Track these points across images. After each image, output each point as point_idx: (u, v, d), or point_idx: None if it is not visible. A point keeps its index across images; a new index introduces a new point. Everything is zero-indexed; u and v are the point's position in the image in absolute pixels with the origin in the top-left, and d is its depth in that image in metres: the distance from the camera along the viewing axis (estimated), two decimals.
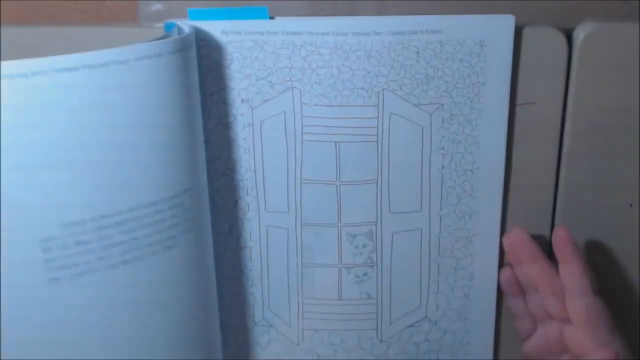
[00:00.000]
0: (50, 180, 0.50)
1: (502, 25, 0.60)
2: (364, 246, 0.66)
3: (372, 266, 0.67)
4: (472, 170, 0.64)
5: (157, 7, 0.66)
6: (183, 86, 0.55)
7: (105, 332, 0.55)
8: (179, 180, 0.56)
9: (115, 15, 0.67)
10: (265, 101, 0.62)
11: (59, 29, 0.65)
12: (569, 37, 0.63)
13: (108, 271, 0.54)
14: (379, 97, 0.62)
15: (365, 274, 0.67)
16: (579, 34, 0.63)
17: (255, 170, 0.64)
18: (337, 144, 0.64)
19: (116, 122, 0.51)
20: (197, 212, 0.59)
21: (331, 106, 0.62)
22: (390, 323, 0.69)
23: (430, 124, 0.63)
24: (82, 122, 0.50)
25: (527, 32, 0.62)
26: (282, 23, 0.60)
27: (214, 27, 0.60)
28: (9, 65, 0.47)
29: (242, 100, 0.62)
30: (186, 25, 0.58)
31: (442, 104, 0.62)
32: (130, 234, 0.54)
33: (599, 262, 0.68)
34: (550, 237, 0.64)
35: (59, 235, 0.51)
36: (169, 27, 0.59)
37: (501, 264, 0.68)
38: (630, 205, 0.67)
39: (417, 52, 0.61)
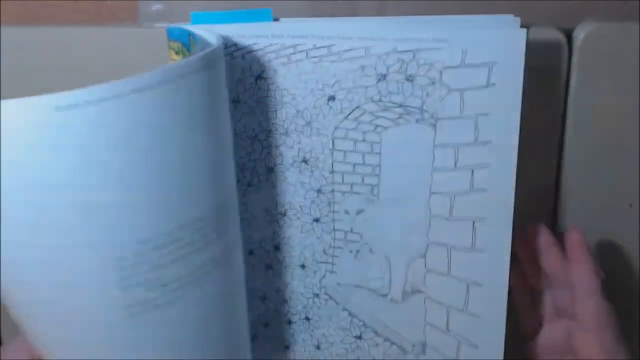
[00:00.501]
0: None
1: (513, 39, 0.58)
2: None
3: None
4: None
5: (157, 7, 0.66)
6: (214, 104, 0.53)
7: None
8: (212, 196, 0.55)
9: (115, 15, 0.67)
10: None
11: (59, 29, 0.65)
12: (569, 37, 0.63)
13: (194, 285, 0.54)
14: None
15: None
16: (579, 34, 0.63)
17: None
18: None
19: (152, 146, 0.49)
20: (233, 227, 0.58)
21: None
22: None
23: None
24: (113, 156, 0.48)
25: (527, 32, 0.62)
26: (287, 26, 0.60)
27: (218, 31, 0.59)
28: (57, 98, 0.46)
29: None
30: (212, 34, 0.56)
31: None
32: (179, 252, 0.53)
33: (599, 262, 0.68)
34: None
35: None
36: (171, 31, 0.59)
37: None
38: (630, 205, 0.67)
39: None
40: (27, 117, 0.43)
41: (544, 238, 0.63)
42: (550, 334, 0.65)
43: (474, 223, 0.62)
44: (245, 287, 0.61)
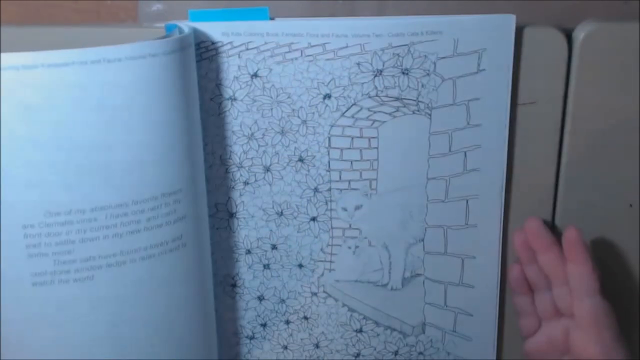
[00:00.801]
0: (34, 175, 0.51)
1: (503, 25, 0.60)
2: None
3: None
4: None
5: (157, 7, 0.66)
6: (179, 86, 0.55)
7: (103, 329, 0.56)
8: (174, 179, 0.56)
9: (115, 15, 0.67)
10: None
11: (59, 29, 0.65)
12: (569, 37, 0.63)
13: (114, 268, 0.54)
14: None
15: None
16: (579, 34, 0.63)
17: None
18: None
19: (106, 119, 0.51)
20: (194, 210, 0.59)
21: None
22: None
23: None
24: (73, 117, 0.51)
25: (527, 32, 0.62)
26: (283, 24, 0.60)
27: (215, 29, 0.60)
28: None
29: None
30: (186, 26, 0.58)
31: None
32: (126, 227, 0.54)
33: (599, 262, 0.68)
34: None
35: (43, 223, 0.52)
36: (170, 29, 0.59)
37: (503, 262, 0.68)
38: (630, 205, 0.67)
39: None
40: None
41: (543, 237, 0.63)
42: (549, 333, 0.65)
43: (467, 201, 0.66)
44: (192, 283, 0.62)
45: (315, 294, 0.69)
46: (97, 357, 0.57)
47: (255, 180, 0.65)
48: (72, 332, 0.55)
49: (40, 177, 0.51)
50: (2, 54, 0.47)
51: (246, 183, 0.65)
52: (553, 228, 0.67)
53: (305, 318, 0.70)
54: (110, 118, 0.51)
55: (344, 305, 0.69)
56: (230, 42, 0.60)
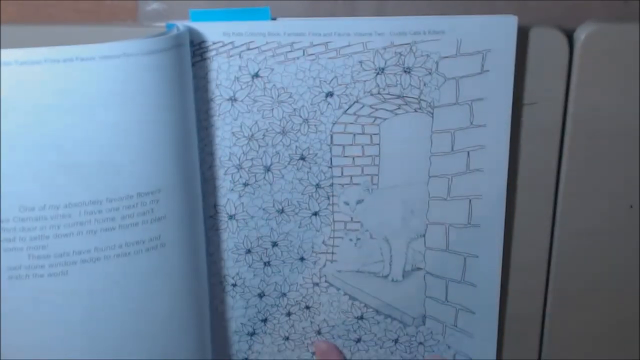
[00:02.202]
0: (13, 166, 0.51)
1: (505, 26, 0.60)
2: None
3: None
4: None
5: (156, 6, 0.66)
6: (168, 85, 0.54)
7: (88, 327, 0.57)
8: (152, 179, 0.56)
9: (115, 15, 0.67)
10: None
11: (59, 28, 0.65)
12: (570, 37, 0.63)
13: (88, 264, 0.55)
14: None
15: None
16: (580, 35, 0.63)
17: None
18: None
19: (82, 117, 0.52)
20: (178, 210, 0.58)
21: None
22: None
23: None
24: (49, 115, 0.51)
25: (528, 33, 0.62)
26: (284, 24, 0.60)
27: (216, 29, 0.60)
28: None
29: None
30: (183, 25, 0.57)
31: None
32: (100, 224, 0.54)
33: (599, 262, 0.68)
34: (552, 237, 0.64)
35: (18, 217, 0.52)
36: (170, 28, 0.59)
37: (506, 262, 0.69)
38: (631, 206, 0.67)
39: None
40: None
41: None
42: None
43: (470, 201, 0.66)
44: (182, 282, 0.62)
45: (317, 284, 0.69)
46: (71, 352, 0.57)
47: (256, 181, 0.65)
48: (47, 326, 0.56)
49: (14, 173, 0.51)
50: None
51: (246, 184, 0.64)
52: (553, 228, 0.67)
53: (307, 307, 0.70)
54: (87, 117, 0.52)
55: (345, 294, 0.69)
56: (232, 42, 0.60)
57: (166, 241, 0.58)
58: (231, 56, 0.61)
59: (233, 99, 0.62)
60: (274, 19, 0.60)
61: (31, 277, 0.53)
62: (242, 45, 0.60)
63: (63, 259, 0.54)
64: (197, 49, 0.60)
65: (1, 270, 0.53)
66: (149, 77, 0.53)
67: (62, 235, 0.53)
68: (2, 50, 0.48)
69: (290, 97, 0.62)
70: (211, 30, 0.59)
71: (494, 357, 0.70)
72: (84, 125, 0.52)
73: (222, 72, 0.61)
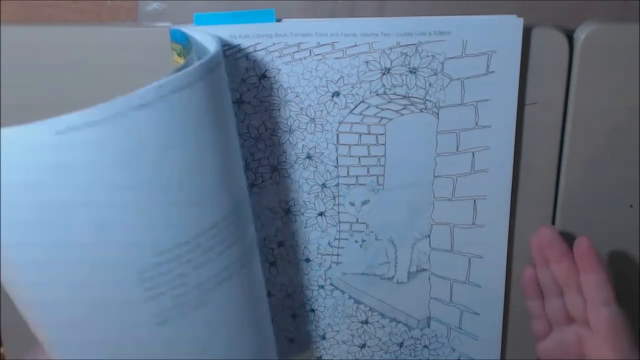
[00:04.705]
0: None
1: (510, 27, 0.60)
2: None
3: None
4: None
5: (156, 6, 0.66)
6: (215, 109, 0.53)
7: None
8: (226, 201, 0.55)
9: (115, 15, 0.66)
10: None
11: (59, 28, 0.65)
12: (570, 37, 0.63)
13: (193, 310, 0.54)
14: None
15: None
16: (580, 35, 0.63)
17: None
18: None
19: (159, 161, 0.49)
20: (248, 227, 0.58)
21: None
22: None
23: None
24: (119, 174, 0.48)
25: (529, 33, 0.62)
26: (291, 25, 0.60)
27: (222, 31, 0.59)
28: (56, 123, 0.45)
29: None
30: (194, 31, 0.56)
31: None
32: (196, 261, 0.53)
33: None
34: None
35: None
36: (174, 33, 0.58)
37: (510, 263, 0.69)
38: (631, 206, 0.67)
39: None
40: (27, 141, 0.43)
41: (555, 246, 0.63)
42: (560, 338, 0.65)
43: (474, 202, 0.66)
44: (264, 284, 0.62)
45: (322, 286, 0.69)
46: None
47: (263, 181, 0.65)
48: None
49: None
50: (49, 121, 0.45)
51: (253, 185, 0.65)
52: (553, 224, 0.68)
53: (312, 311, 0.70)
54: (161, 158, 0.49)
55: (350, 297, 0.70)
56: (238, 45, 0.60)
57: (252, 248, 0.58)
58: (238, 58, 0.61)
59: (240, 101, 0.62)
60: (278, 20, 0.60)
61: (177, 315, 0.53)
62: (248, 47, 0.60)
63: (201, 289, 0.53)
64: None
65: (147, 319, 0.52)
66: (204, 103, 0.51)
67: (197, 267, 0.53)
68: (60, 119, 0.45)
69: (297, 96, 0.62)
70: (218, 34, 0.59)
71: (498, 357, 0.70)
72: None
73: (228, 74, 0.61)
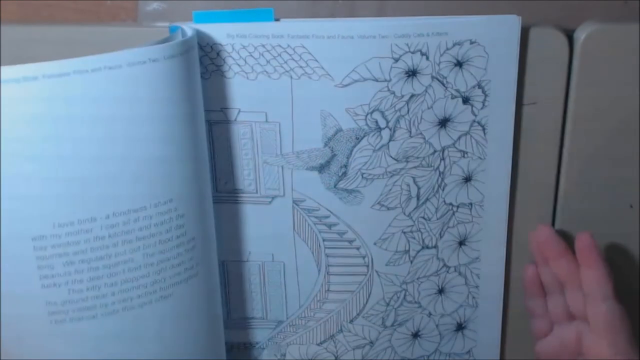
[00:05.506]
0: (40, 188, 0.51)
1: (508, 26, 0.60)
2: None
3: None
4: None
5: (156, 6, 0.66)
6: (183, 91, 0.54)
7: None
8: (173, 187, 0.55)
9: (115, 15, 0.67)
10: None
11: (58, 28, 0.65)
12: (570, 37, 0.63)
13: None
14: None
15: None
16: (580, 35, 0.63)
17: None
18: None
19: (109, 129, 0.51)
20: (197, 219, 0.58)
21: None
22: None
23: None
24: (72, 128, 0.50)
25: (528, 33, 0.62)
26: (288, 25, 0.60)
27: (219, 30, 0.59)
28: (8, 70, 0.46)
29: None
30: (190, 28, 0.57)
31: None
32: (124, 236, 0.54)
33: None
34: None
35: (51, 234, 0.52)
36: (173, 30, 0.59)
37: (508, 265, 0.69)
38: (631, 206, 0.67)
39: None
40: None
41: (553, 245, 0.64)
42: (561, 336, 0.65)
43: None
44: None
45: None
46: None
47: None
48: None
49: (43, 190, 0.51)
50: (2, 67, 0.46)
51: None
52: (553, 225, 0.68)
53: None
54: (112, 128, 0.51)
55: None
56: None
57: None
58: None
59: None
60: (277, 20, 0.60)
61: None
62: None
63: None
64: (200, 50, 0.59)
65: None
66: (171, 81, 0.53)
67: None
68: (24, 66, 0.47)
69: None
70: (215, 32, 0.59)
71: (497, 358, 0.70)
72: (108, 139, 0.51)
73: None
